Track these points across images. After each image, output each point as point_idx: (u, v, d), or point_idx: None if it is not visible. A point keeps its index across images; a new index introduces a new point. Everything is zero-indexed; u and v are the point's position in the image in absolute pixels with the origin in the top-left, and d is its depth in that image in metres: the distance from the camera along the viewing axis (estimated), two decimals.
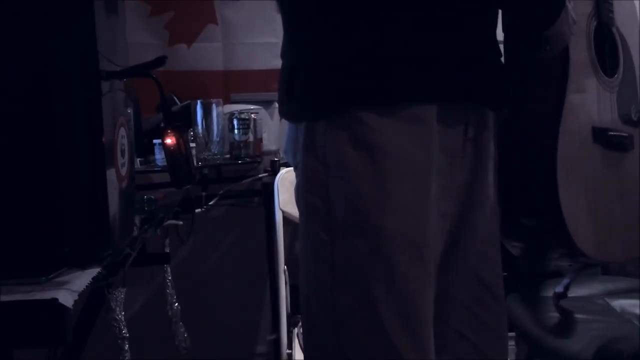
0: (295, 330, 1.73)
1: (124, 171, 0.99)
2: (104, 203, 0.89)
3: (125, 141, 1.01)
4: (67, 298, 0.75)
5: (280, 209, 1.78)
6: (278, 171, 1.86)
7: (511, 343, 1.75)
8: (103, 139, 0.89)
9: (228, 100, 2.19)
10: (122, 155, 0.99)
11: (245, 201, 2.17)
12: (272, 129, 2.15)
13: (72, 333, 0.78)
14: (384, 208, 0.78)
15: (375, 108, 0.79)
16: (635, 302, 1.52)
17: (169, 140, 1.14)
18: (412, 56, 0.80)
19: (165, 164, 1.27)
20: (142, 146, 1.86)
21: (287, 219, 1.78)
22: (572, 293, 1.64)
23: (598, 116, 1.01)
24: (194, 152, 1.78)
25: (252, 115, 1.96)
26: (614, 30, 1.06)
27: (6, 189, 0.84)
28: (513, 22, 0.87)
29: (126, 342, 1.05)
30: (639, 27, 1.10)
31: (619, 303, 1.55)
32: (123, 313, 1.05)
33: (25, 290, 0.77)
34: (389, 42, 0.79)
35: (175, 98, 2.09)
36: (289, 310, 1.74)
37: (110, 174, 0.91)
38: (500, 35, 0.91)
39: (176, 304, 1.61)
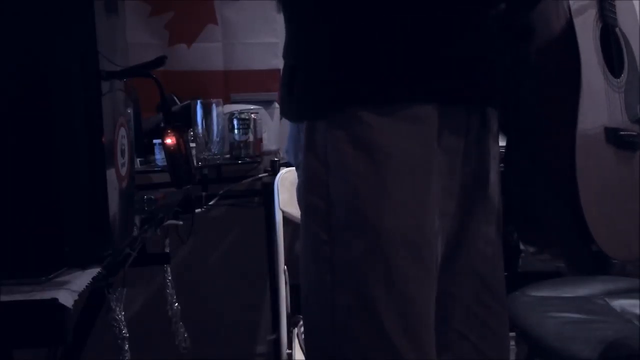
0: (295, 330, 1.73)
1: (124, 171, 0.99)
2: (104, 203, 0.89)
3: (125, 141, 1.01)
4: (67, 298, 0.75)
5: (280, 209, 1.78)
6: (278, 171, 1.86)
7: (511, 343, 1.75)
8: (103, 139, 0.89)
9: (228, 100, 2.19)
10: (122, 155, 0.99)
11: (245, 201, 2.17)
12: (272, 129, 2.15)
13: (72, 333, 0.78)
14: (383, 208, 0.78)
15: (376, 108, 0.79)
16: (635, 302, 1.52)
17: (169, 140, 1.14)
18: (413, 56, 0.80)
19: (165, 164, 1.27)
20: (142, 146, 1.86)
21: (287, 219, 1.78)
22: (572, 293, 1.64)
23: (609, 117, 1.01)
24: (194, 152, 1.78)
25: (252, 115, 1.96)
26: (617, 31, 1.07)
27: (6, 189, 0.84)
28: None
29: (126, 342, 1.05)
30: None
31: (619, 303, 1.55)
32: (123, 313, 1.05)
33: (25, 290, 0.77)
34: (389, 42, 0.79)
35: (175, 98, 2.09)
36: (289, 310, 1.74)
37: (110, 174, 0.91)
38: None
39: (176, 304, 1.61)
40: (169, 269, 1.61)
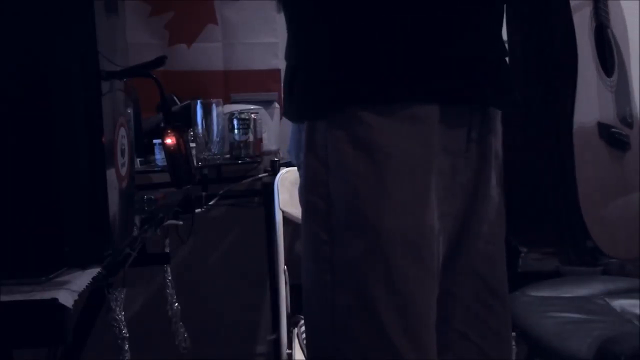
0: (295, 330, 1.72)
1: (124, 171, 0.99)
2: (104, 203, 0.89)
3: (125, 141, 1.01)
4: (67, 298, 0.75)
5: (280, 209, 1.78)
6: (278, 171, 1.86)
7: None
8: (103, 139, 0.89)
9: (228, 100, 2.19)
10: (122, 155, 0.99)
11: (245, 201, 2.17)
12: (272, 129, 2.15)
13: (72, 333, 0.78)
14: (383, 208, 0.78)
15: (376, 108, 0.79)
16: (635, 302, 1.52)
17: (169, 140, 1.14)
18: (412, 56, 0.80)
19: (165, 164, 1.27)
20: (142, 146, 1.86)
21: (287, 219, 1.78)
22: (572, 293, 1.64)
23: (601, 113, 1.01)
24: (194, 152, 1.78)
25: (252, 115, 1.96)
26: (609, 31, 1.07)
27: (6, 189, 0.84)
28: None
29: (126, 342, 1.05)
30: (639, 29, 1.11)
31: (619, 303, 1.55)
32: (123, 313, 1.05)
33: (25, 290, 0.77)
34: (388, 42, 0.79)
35: (175, 98, 2.09)
36: (289, 310, 1.74)
37: (110, 174, 0.91)
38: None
39: (176, 304, 1.61)
40: (169, 269, 1.61)
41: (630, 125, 1.07)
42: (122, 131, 1.00)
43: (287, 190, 1.78)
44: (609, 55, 1.05)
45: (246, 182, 2.03)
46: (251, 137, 1.95)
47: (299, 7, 0.86)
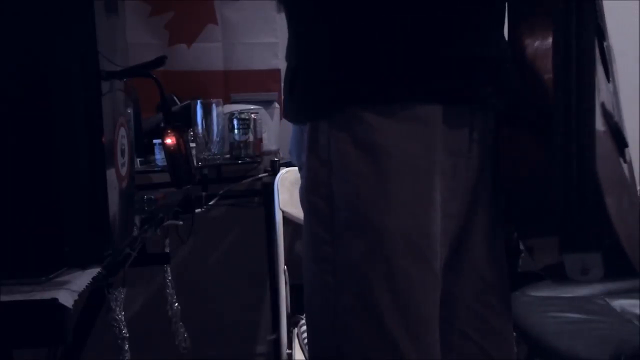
0: (295, 330, 1.73)
1: (124, 171, 0.99)
2: (104, 203, 0.89)
3: (125, 141, 1.01)
4: (67, 298, 0.75)
5: (280, 209, 1.78)
6: (278, 171, 1.87)
7: None
8: (103, 139, 0.89)
9: (228, 100, 2.19)
10: (122, 155, 0.99)
11: (245, 201, 2.17)
12: (272, 129, 2.15)
13: (72, 333, 0.78)
14: (385, 208, 0.78)
15: (377, 108, 0.79)
16: (635, 302, 1.52)
17: (169, 140, 1.14)
18: (413, 56, 0.79)
19: (165, 164, 1.27)
20: (142, 146, 1.86)
21: (287, 219, 1.78)
22: (572, 293, 1.64)
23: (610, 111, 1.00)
24: (194, 152, 1.78)
25: (252, 115, 1.96)
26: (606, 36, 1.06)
27: (6, 189, 0.84)
28: None
29: (126, 342, 1.05)
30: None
31: (619, 303, 1.55)
32: (123, 313, 1.05)
33: (25, 290, 0.77)
34: (389, 42, 0.79)
35: (175, 98, 2.09)
36: (289, 310, 1.74)
37: (110, 174, 0.91)
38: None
39: (176, 304, 1.61)
40: (169, 269, 1.61)
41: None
42: (122, 131, 1.00)
43: (287, 190, 1.78)
44: (608, 61, 1.04)
45: (246, 182, 2.03)
46: (251, 137, 1.95)
47: (299, 8, 0.86)
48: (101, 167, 0.89)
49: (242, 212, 2.22)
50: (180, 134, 1.15)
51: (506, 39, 0.90)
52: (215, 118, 1.85)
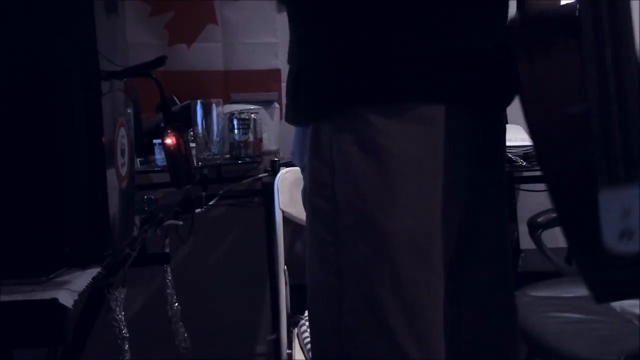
0: (295, 330, 1.72)
1: (124, 171, 0.99)
2: (104, 203, 0.89)
3: (125, 141, 1.01)
4: (67, 298, 0.75)
5: (280, 209, 1.78)
6: (278, 171, 1.86)
7: None
8: (103, 139, 0.89)
9: (228, 100, 2.19)
10: (122, 155, 0.99)
11: (245, 201, 2.17)
12: (272, 129, 2.15)
13: (72, 333, 0.78)
14: (388, 209, 0.78)
15: (381, 108, 0.78)
16: (635, 302, 1.52)
17: (169, 140, 1.14)
18: (418, 56, 0.79)
19: (165, 164, 1.27)
20: (142, 146, 1.86)
21: (287, 219, 1.78)
22: (572, 293, 1.64)
23: None
24: (194, 152, 1.78)
25: (252, 115, 1.96)
26: None
27: (6, 189, 0.84)
28: None
29: (126, 342, 1.05)
30: None
31: (619, 303, 1.55)
32: (123, 313, 1.05)
33: (25, 290, 0.77)
34: (393, 42, 0.79)
35: (175, 98, 2.09)
36: (289, 310, 1.74)
37: (110, 174, 0.91)
38: None
39: (176, 304, 1.61)
40: (169, 269, 1.61)
41: None
42: (122, 131, 1.00)
43: (287, 190, 1.78)
44: None
45: (246, 182, 2.03)
46: (251, 137, 1.95)
47: (300, 9, 0.86)
48: (101, 167, 0.89)
49: (242, 212, 2.22)
50: (180, 134, 1.15)
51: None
52: (215, 118, 1.85)
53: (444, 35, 0.80)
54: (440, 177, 0.81)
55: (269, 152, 2.09)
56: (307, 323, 1.70)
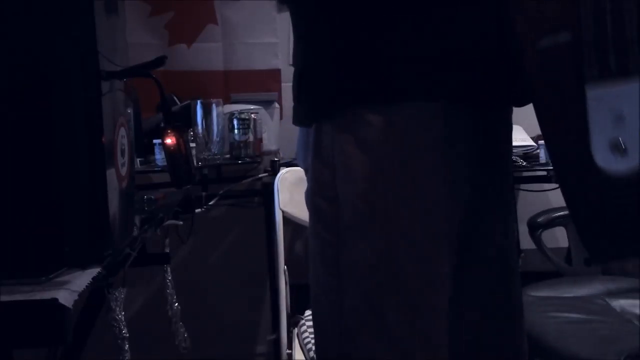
0: (295, 330, 1.73)
1: (124, 171, 0.99)
2: (104, 203, 0.89)
3: (125, 141, 1.01)
4: (67, 298, 0.75)
5: (280, 209, 1.78)
6: (278, 171, 1.87)
7: None
8: (103, 139, 0.89)
9: (228, 100, 2.19)
10: (122, 155, 0.99)
11: (245, 201, 2.17)
12: (272, 129, 2.15)
13: (72, 333, 0.78)
14: (390, 209, 0.78)
15: (380, 108, 0.78)
16: (635, 302, 1.52)
17: (169, 140, 1.14)
18: (418, 56, 0.79)
19: (165, 164, 1.27)
20: (142, 146, 1.86)
21: (287, 219, 1.78)
22: (572, 293, 1.64)
23: None
24: (194, 152, 1.78)
25: (252, 115, 1.96)
26: None
27: (6, 189, 0.84)
28: None
29: (126, 342, 1.05)
30: None
31: (619, 303, 1.55)
32: (123, 313, 1.05)
33: (25, 290, 0.77)
34: (393, 42, 0.79)
35: (175, 98, 2.09)
36: (289, 310, 1.74)
37: (110, 174, 0.91)
38: None
39: (176, 304, 1.61)
40: (169, 269, 1.61)
41: None
42: (122, 131, 1.00)
43: (287, 190, 1.78)
44: None
45: (246, 182, 2.03)
46: (251, 137, 1.95)
47: (300, 9, 0.86)
48: (101, 167, 0.88)
49: (242, 212, 2.22)
50: (180, 134, 1.15)
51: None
52: (215, 118, 1.85)
53: (444, 35, 0.80)
54: (441, 177, 0.81)
55: (269, 152, 2.09)
56: (307, 323, 1.70)
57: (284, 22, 2.39)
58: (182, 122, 1.42)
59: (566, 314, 1.50)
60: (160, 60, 1.04)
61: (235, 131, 1.94)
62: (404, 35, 0.79)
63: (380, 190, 0.78)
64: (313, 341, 1.61)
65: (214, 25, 2.36)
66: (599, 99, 0.68)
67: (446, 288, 0.82)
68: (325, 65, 0.82)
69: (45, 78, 0.85)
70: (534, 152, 2.03)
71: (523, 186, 2.33)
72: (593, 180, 0.71)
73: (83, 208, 0.87)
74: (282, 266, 1.76)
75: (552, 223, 1.91)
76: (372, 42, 0.79)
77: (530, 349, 1.59)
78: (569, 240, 2.00)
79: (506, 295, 0.92)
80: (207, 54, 2.36)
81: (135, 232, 1.11)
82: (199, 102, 1.86)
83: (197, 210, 1.77)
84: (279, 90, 2.35)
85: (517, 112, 0.92)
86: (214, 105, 1.85)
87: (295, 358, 1.63)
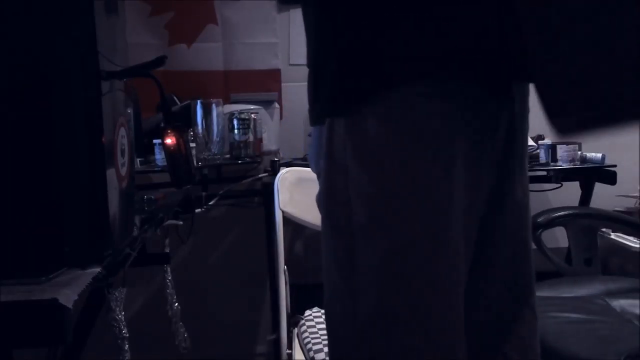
0: (295, 330, 1.73)
1: (124, 171, 0.99)
2: (104, 203, 0.89)
3: (125, 141, 1.01)
4: (67, 298, 0.75)
5: (280, 209, 1.78)
6: (278, 171, 1.87)
7: None
8: (103, 139, 0.89)
9: (228, 100, 2.20)
10: (122, 155, 0.99)
11: (245, 201, 2.17)
12: (272, 129, 2.15)
13: (72, 333, 0.78)
14: (404, 212, 0.77)
15: (383, 107, 0.78)
16: (635, 302, 1.52)
17: (169, 140, 1.14)
18: (420, 55, 0.78)
19: (165, 164, 1.27)
20: (142, 146, 1.86)
21: (287, 219, 1.78)
22: (572, 293, 1.64)
23: None
24: (194, 152, 1.78)
25: (252, 115, 1.96)
26: None
27: (6, 189, 0.84)
28: None
29: (126, 342, 1.05)
30: None
31: (619, 303, 1.55)
32: (123, 313, 1.05)
33: (25, 290, 0.77)
34: (395, 41, 0.78)
35: (175, 98, 2.09)
36: (289, 310, 1.74)
37: (110, 174, 0.91)
38: None
39: (176, 304, 1.61)
40: (169, 269, 1.61)
41: None
42: (122, 131, 0.99)
43: (287, 190, 1.78)
44: None
45: (246, 182, 2.03)
46: (251, 137, 1.95)
47: (306, 9, 0.86)
48: (101, 167, 0.88)
49: (242, 212, 2.23)
50: (180, 134, 1.15)
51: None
52: (215, 118, 1.85)
53: (445, 34, 0.80)
54: (448, 176, 0.80)
55: (269, 152, 2.09)
56: (307, 323, 1.70)
57: (284, 22, 2.39)
58: (182, 122, 1.42)
59: (566, 314, 1.50)
60: (160, 60, 1.04)
61: (235, 131, 1.94)
62: (406, 34, 0.78)
63: (393, 193, 0.77)
64: (313, 341, 1.61)
65: (214, 25, 2.36)
66: None
67: (461, 291, 0.82)
68: (329, 64, 0.81)
69: (45, 78, 0.85)
70: (534, 152, 2.03)
71: None
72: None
73: (83, 208, 0.87)
74: (282, 266, 1.76)
75: (552, 223, 1.91)
76: (374, 41, 0.79)
77: None
78: (569, 240, 2.00)
79: (517, 295, 0.91)
80: (207, 54, 2.36)
81: (135, 232, 1.11)
82: (199, 102, 1.86)
83: (197, 210, 1.78)
84: (279, 90, 2.35)
85: None
86: (214, 105, 1.85)
87: (295, 358, 1.63)
